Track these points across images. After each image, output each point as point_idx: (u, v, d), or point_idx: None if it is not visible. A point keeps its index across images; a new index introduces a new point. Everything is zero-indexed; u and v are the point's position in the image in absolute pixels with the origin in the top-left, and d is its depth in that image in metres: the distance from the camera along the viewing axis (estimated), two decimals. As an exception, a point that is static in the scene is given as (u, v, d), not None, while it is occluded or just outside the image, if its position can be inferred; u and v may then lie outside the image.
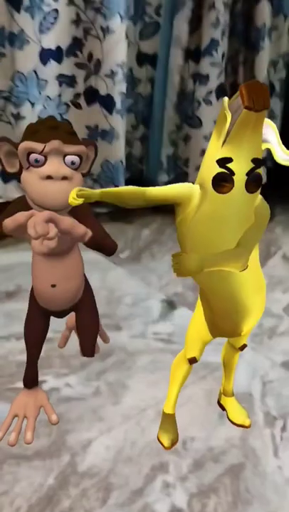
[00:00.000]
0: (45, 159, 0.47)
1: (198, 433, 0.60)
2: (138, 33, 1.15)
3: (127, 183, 1.24)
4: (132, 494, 0.52)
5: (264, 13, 1.17)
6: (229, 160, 0.39)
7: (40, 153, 0.47)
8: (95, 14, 1.03)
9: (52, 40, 1.01)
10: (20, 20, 0.95)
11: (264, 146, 0.41)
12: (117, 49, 1.05)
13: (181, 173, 1.27)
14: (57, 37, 1.02)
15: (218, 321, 0.51)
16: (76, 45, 1.06)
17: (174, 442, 0.58)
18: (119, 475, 0.54)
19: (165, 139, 1.22)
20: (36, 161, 0.47)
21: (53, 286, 0.55)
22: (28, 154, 0.47)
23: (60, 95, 1.08)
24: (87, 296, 0.61)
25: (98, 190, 0.42)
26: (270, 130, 0.41)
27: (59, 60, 1.04)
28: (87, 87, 1.11)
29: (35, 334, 0.61)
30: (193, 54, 1.16)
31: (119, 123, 1.12)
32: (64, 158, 0.48)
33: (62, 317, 0.62)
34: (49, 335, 0.77)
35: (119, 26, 1.03)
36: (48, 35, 1.00)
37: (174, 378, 0.59)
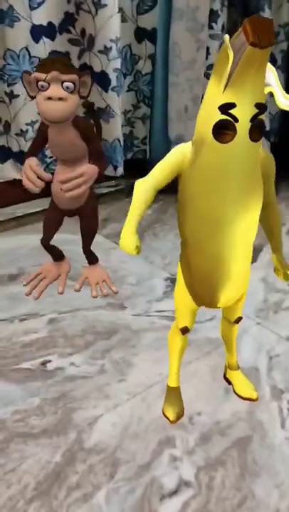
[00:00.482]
0: (49, 85, 0.64)
1: (204, 407, 0.60)
2: (135, 8, 1.11)
3: (129, 164, 1.22)
4: (139, 469, 0.52)
5: (263, -19, 1.13)
6: (232, 105, 0.36)
7: (44, 80, 0.64)
8: None
9: (43, 16, 0.99)
10: None
11: (266, 90, 0.38)
12: (110, 24, 1.01)
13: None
14: (48, 13, 0.99)
15: (197, 287, 0.49)
16: (69, 20, 1.03)
17: (179, 416, 0.58)
18: (126, 451, 0.54)
19: (173, 116, 1.19)
20: (42, 86, 0.65)
21: (61, 189, 0.72)
22: (37, 82, 0.64)
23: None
24: (90, 204, 0.78)
25: (129, 220, 0.43)
26: (271, 73, 0.38)
27: (52, 37, 1.02)
28: (82, 64, 1.08)
29: (50, 224, 0.82)
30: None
31: (115, 100, 1.09)
32: (62, 84, 0.64)
33: (70, 216, 0.81)
34: (52, 315, 0.77)
35: (111, 0, 1.00)
36: (39, 11, 0.97)
37: (171, 351, 0.58)
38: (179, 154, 0.42)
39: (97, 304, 0.81)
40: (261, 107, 0.37)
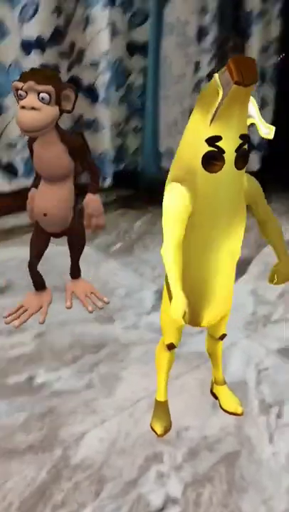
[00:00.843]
0: (26, 95, 0.64)
1: (192, 422, 0.59)
2: (127, 22, 1.12)
3: (120, 175, 1.22)
4: (126, 486, 0.52)
5: (252, -3, 1.15)
6: (219, 138, 0.38)
7: (21, 89, 0.64)
8: (76, 3, 1.02)
9: (33, 29, 1.00)
10: None
11: (249, 122, 0.40)
12: (99, 38, 1.03)
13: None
14: (38, 26, 1.00)
15: None
16: (58, 34, 1.05)
17: (166, 429, 0.57)
18: (112, 467, 0.54)
19: (164, 129, 1.20)
20: (20, 95, 0.65)
21: (45, 215, 0.74)
22: (17, 91, 0.65)
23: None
24: (75, 224, 0.78)
25: (175, 286, 0.42)
26: (251, 105, 0.40)
27: (42, 50, 1.03)
28: (71, 77, 1.10)
29: (37, 246, 0.80)
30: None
31: (103, 113, 1.11)
32: (38, 95, 0.64)
33: (57, 237, 0.80)
34: (40, 329, 0.77)
35: (100, 15, 1.02)
36: (29, 25, 0.99)
37: (159, 366, 0.58)
38: (180, 202, 0.42)
39: (85, 316, 0.81)
40: (245, 138, 0.39)
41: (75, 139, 0.71)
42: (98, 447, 0.56)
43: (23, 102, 0.64)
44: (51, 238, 0.80)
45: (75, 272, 0.86)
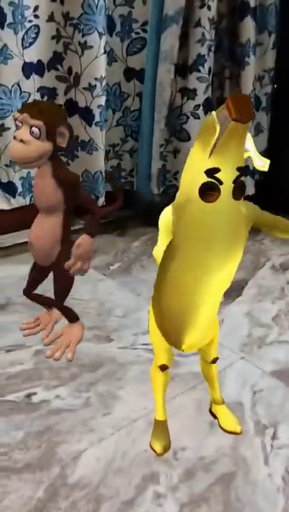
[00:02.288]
0: (21, 126, 0.64)
1: (188, 443, 0.60)
2: (125, 49, 1.17)
3: (128, 201, 1.25)
4: (123, 505, 0.52)
5: (248, 29, 1.19)
6: (217, 170, 0.40)
7: (16, 120, 0.65)
8: (74, 30, 1.07)
9: (34, 54, 1.04)
10: (3, 36, 0.99)
11: (245, 155, 0.43)
12: (95, 64, 1.08)
13: (170, 185, 1.28)
14: (39, 51, 1.05)
15: (166, 325, 0.52)
16: (57, 59, 1.09)
17: (166, 449, 0.58)
18: (109, 486, 0.54)
19: (155, 152, 1.24)
20: (17, 126, 0.65)
21: (30, 243, 0.73)
22: (15, 121, 0.65)
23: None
24: (62, 262, 0.71)
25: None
26: (247, 140, 0.43)
27: (41, 74, 1.08)
28: (68, 100, 1.14)
29: (33, 274, 0.79)
30: (181, 69, 1.18)
31: (98, 135, 1.15)
32: (31, 128, 0.64)
33: (46, 272, 0.77)
34: (38, 347, 0.77)
35: (97, 42, 1.06)
36: (30, 50, 1.03)
37: (155, 386, 0.60)
38: (167, 218, 0.46)
39: (84, 336, 0.81)
40: (242, 170, 0.41)
41: (69, 177, 0.69)
42: (95, 466, 0.57)
43: (15, 133, 0.65)
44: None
45: (71, 315, 0.80)
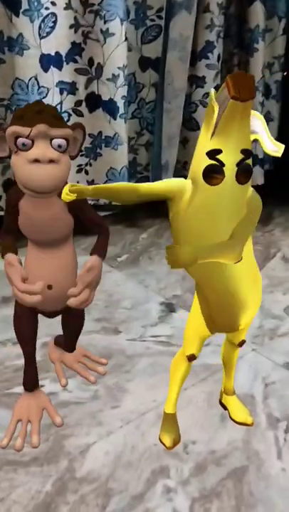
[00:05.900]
0: (33, 143, 0.48)
1: (199, 436, 0.59)
2: (140, 37, 1.13)
3: None
4: (132, 500, 0.51)
5: (257, 15, 1.17)
6: (218, 151, 0.39)
7: (27, 137, 0.47)
8: (94, 17, 1.02)
9: (52, 45, 0.99)
10: (18, 24, 0.94)
11: (252, 137, 0.41)
12: (117, 52, 1.03)
13: (180, 176, 1.26)
14: (57, 42, 0.99)
15: (215, 316, 0.51)
16: (75, 50, 1.04)
17: (175, 442, 0.57)
18: (118, 480, 0.53)
19: (165, 142, 1.21)
20: (23, 145, 0.48)
21: (49, 287, 0.55)
22: (16, 139, 0.48)
23: (61, 103, 1.05)
24: None
25: (91, 187, 0.42)
26: (258, 121, 0.41)
27: (59, 67, 1.02)
28: (89, 93, 1.08)
29: (27, 332, 0.60)
30: (190, 56, 1.15)
31: (122, 128, 1.10)
32: (51, 142, 0.48)
33: (52, 317, 0.62)
34: (46, 339, 0.76)
35: (119, 28, 1.02)
36: (48, 40, 0.98)
37: (173, 377, 0.58)
38: (179, 182, 0.43)
39: (91, 328, 0.80)
40: (247, 153, 0.39)
41: None
42: (104, 460, 0.55)
43: (34, 154, 0.47)
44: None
45: (71, 347, 0.69)
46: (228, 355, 0.59)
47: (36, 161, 0.48)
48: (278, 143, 0.41)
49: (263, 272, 1.03)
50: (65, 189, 0.40)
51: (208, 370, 0.69)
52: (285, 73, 1.35)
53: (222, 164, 0.39)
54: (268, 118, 1.33)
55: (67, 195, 0.40)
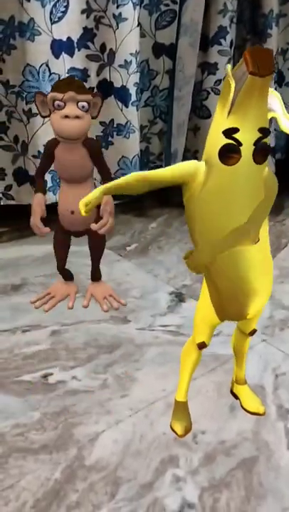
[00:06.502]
0: (64, 105, 0.68)
1: (209, 426, 0.58)
2: (154, 23, 1.09)
3: None
4: (141, 488, 0.51)
5: (271, -1, 1.14)
6: (236, 130, 0.37)
7: (61, 100, 0.68)
8: (107, 2, 0.98)
9: (63, 30, 0.96)
10: (30, 8, 0.91)
11: (269, 115, 0.40)
12: (130, 37, 1.00)
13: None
14: (69, 27, 0.97)
15: (225, 303, 0.50)
16: (87, 35, 1.01)
17: (187, 430, 0.57)
18: (127, 469, 0.53)
19: (175, 130, 1.19)
20: (58, 106, 0.68)
21: (72, 212, 0.76)
22: (53, 101, 0.69)
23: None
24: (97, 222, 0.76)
25: (98, 190, 0.41)
26: (275, 99, 0.40)
27: (71, 53, 0.99)
28: (101, 80, 1.05)
29: (61, 248, 0.83)
30: (201, 42, 1.13)
31: (134, 116, 1.07)
32: (77, 104, 0.68)
33: (78, 236, 0.81)
34: (55, 327, 0.76)
35: (131, 13, 0.99)
36: (60, 25, 0.95)
37: (184, 365, 0.57)
38: (192, 165, 0.42)
39: (101, 316, 0.80)
40: (264, 131, 0.38)
41: (94, 143, 0.75)
42: (113, 448, 0.55)
43: (66, 112, 0.68)
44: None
45: (96, 274, 0.86)
46: (239, 344, 0.59)
47: (67, 117, 0.68)
48: None
49: (273, 263, 1.01)
50: (81, 209, 0.42)
51: (217, 361, 0.69)
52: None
53: (239, 143, 0.38)
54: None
55: (85, 213, 0.42)
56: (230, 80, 0.36)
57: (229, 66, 0.37)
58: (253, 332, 0.56)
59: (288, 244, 1.09)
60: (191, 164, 0.42)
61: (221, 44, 1.12)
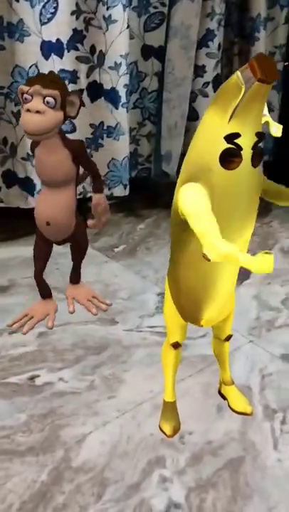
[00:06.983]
0: (32, 98, 0.64)
1: (196, 426, 0.59)
2: (142, 25, 1.09)
3: (133, 182, 1.20)
4: (128, 489, 0.51)
5: (259, 3, 1.15)
6: (238, 135, 0.38)
7: (27, 93, 0.64)
8: (97, 3, 0.98)
9: (53, 31, 0.96)
10: (19, 9, 0.90)
11: (263, 120, 0.41)
12: (119, 39, 1.00)
13: (179, 166, 1.25)
14: (58, 28, 0.96)
15: (183, 302, 0.50)
16: (77, 37, 1.00)
17: (176, 430, 0.57)
18: (114, 470, 0.53)
19: (165, 132, 1.19)
20: (25, 99, 0.64)
21: (48, 223, 0.73)
22: (22, 94, 0.65)
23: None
24: (78, 231, 0.76)
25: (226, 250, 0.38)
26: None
27: (60, 55, 0.99)
28: (90, 82, 1.05)
29: (41, 257, 0.78)
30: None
31: (124, 118, 1.07)
32: (44, 99, 0.63)
33: (59, 245, 0.78)
34: (42, 329, 0.76)
35: (121, 15, 0.99)
36: (49, 27, 0.94)
37: (165, 366, 0.58)
38: (203, 197, 0.40)
39: (88, 318, 0.80)
40: (260, 136, 0.39)
41: (77, 143, 0.72)
42: (100, 450, 0.55)
43: (28, 105, 0.64)
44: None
45: (76, 278, 0.85)
46: (217, 349, 0.59)
47: (28, 110, 0.64)
48: (277, 123, 0.42)
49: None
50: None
51: (205, 361, 0.69)
52: (286, 63, 1.34)
53: (240, 148, 0.38)
54: (269, 108, 1.31)
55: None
56: (242, 85, 0.36)
57: (239, 71, 0.37)
58: (228, 338, 0.57)
59: (275, 245, 1.10)
60: (203, 196, 0.40)
61: (208, 47, 1.13)
